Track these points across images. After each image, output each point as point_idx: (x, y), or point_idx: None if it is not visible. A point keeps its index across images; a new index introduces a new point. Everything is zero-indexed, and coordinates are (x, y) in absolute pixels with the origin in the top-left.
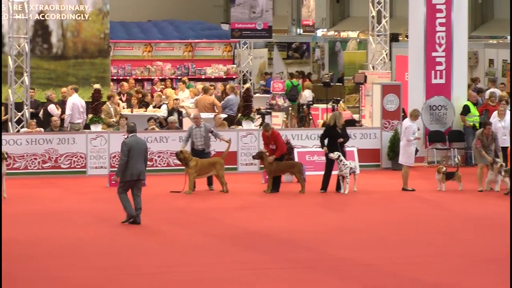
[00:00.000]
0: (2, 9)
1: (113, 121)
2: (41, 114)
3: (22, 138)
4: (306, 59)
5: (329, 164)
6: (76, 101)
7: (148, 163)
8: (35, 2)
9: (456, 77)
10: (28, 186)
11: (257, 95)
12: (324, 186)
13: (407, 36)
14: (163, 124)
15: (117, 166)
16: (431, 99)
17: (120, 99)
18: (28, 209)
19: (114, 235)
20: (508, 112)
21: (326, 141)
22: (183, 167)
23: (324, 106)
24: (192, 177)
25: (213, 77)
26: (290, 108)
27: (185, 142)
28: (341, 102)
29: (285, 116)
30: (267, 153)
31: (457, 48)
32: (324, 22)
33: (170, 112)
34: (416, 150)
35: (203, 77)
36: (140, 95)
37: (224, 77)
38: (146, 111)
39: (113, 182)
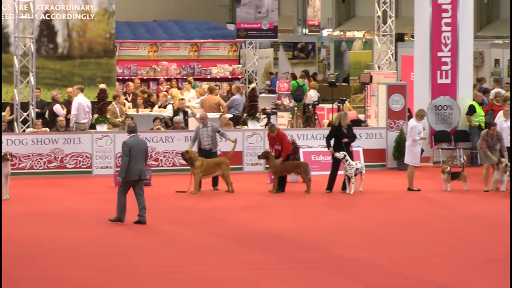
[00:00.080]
0: (8, 9)
1: (119, 121)
2: (46, 114)
3: (28, 138)
4: (311, 59)
5: (335, 164)
6: (82, 101)
7: (154, 163)
8: (41, 2)
9: (462, 77)
10: (33, 186)
11: (262, 95)
12: (330, 186)
13: (412, 36)
14: (168, 124)
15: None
16: (437, 99)
17: (126, 99)
18: (29, 209)
19: (117, 235)
20: None
21: (332, 141)
22: (189, 167)
23: (329, 106)
24: (198, 177)
25: (218, 77)
26: (295, 108)
27: (192, 142)
28: (346, 102)
29: (291, 116)
30: (273, 153)
31: (462, 48)
32: (330, 22)
33: (176, 112)
34: (422, 150)
35: (208, 77)
36: (145, 95)
37: (230, 77)
38: (151, 111)
39: (118, 182)
